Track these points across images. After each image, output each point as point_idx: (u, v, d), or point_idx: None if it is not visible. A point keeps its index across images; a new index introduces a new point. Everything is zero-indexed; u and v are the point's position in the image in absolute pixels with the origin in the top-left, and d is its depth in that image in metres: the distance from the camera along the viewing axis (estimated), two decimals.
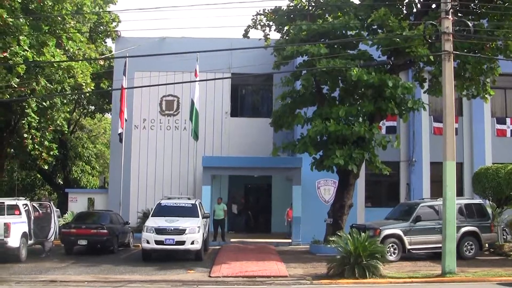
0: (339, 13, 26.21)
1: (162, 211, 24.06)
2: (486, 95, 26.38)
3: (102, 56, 36.68)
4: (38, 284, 17.52)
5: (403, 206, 26.17)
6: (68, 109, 38.96)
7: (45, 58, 27.02)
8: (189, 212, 23.99)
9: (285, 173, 31.89)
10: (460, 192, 28.93)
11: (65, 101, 34.49)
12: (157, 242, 22.11)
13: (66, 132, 40.72)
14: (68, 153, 44.70)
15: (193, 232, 22.31)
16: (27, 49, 26.41)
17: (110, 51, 38.96)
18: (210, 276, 18.90)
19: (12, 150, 35.11)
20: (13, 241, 21.52)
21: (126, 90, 31.14)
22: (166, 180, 34.62)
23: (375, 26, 24.85)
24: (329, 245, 22.02)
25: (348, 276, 18.05)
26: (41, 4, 28.08)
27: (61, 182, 46.08)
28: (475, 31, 21.73)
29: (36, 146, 30.50)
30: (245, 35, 28.52)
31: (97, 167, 51.46)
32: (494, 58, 24.41)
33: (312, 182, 30.55)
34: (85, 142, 48.81)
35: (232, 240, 30.09)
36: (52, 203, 25.79)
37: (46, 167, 35.41)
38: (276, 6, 27.74)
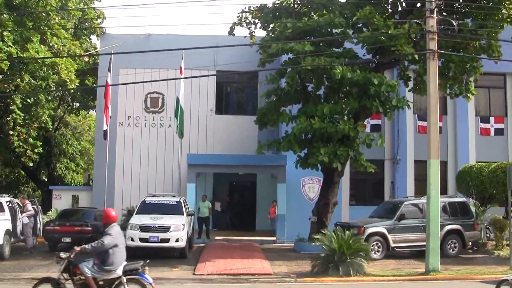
0: (324, 11, 26.18)
1: (146, 208, 24.03)
2: (468, 94, 26.48)
3: (87, 53, 36.53)
4: (21, 281, 17.43)
5: (387, 204, 26.28)
6: (53, 106, 38.76)
7: (29, 54, 26.90)
8: (174, 209, 23.97)
9: (269, 171, 31.90)
10: (444, 191, 29.12)
11: (49, 97, 34.29)
12: (141, 240, 22.09)
13: (50, 129, 40.50)
14: (52, 150, 44.41)
15: (178, 230, 22.31)
16: (11, 45, 26.29)
17: (95, 48, 38.80)
18: (194, 274, 18.91)
19: None
20: None
21: (110, 87, 31.00)
22: (150, 178, 34.51)
23: (360, 25, 24.91)
24: (313, 243, 22.12)
25: (332, 274, 18.11)
26: None
27: (45, 179, 45.81)
28: (459, 30, 21.84)
29: (21, 143, 30.31)
30: (231, 32, 28.43)
31: (82, 164, 51.20)
32: (477, 57, 24.54)
33: (296, 180, 30.60)
34: (70, 139, 48.51)
35: (216, 238, 30.06)
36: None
37: (30, 164, 35.19)
38: (261, 4, 27.74)
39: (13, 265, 20.42)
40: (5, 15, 26.26)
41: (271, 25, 27.62)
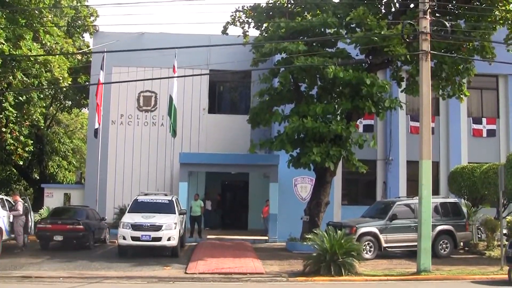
0: (317, 11, 26.23)
1: (138, 207, 23.95)
2: (461, 96, 26.55)
3: (80, 51, 36.44)
4: (12, 279, 17.33)
5: (379, 204, 26.33)
6: (45, 104, 38.62)
7: (21, 51, 26.79)
8: (166, 208, 23.93)
9: (262, 170, 31.93)
10: (436, 191, 29.21)
11: (42, 95, 34.18)
12: (133, 238, 22.02)
13: (42, 127, 40.38)
14: (44, 148, 44.25)
15: (170, 229, 22.26)
16: (3, 42, 26.15)
17: (88, 46, 38.72)
18: (186, 273, 18.86)
19: None
20: None
21: (103, 85, 30.94)
22: (143, 176, 34.46)
23: (354, 25, 24.91)
24: (305, 243, 22.12)
25: (324, 273, 18.10)
26: None
27: (37, 177, 45.68)
28: (452, 31, 21.89)
29: (12, 141, 30.18)
30: (224, 31, 28.40)
31: (74, 162, 50.99)
32: (470, 59, 24.62)
33: (289, 179, 30.59)
34: (62, 137, 48.35)
35: (208, 236, 30.05)
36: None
37: (21, 163, 35.04)
38: (255, 3, 27.75)
39: (4, 263, 20.28)
40: None
41: (265, 25, 27.64)
